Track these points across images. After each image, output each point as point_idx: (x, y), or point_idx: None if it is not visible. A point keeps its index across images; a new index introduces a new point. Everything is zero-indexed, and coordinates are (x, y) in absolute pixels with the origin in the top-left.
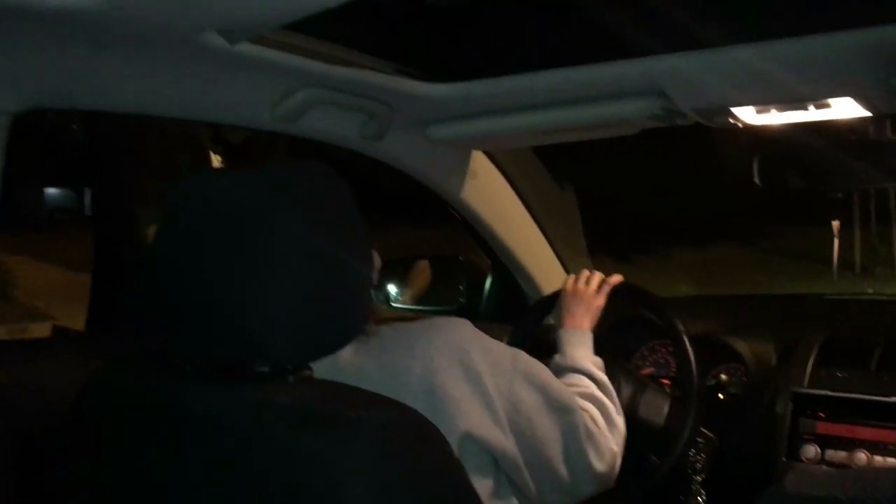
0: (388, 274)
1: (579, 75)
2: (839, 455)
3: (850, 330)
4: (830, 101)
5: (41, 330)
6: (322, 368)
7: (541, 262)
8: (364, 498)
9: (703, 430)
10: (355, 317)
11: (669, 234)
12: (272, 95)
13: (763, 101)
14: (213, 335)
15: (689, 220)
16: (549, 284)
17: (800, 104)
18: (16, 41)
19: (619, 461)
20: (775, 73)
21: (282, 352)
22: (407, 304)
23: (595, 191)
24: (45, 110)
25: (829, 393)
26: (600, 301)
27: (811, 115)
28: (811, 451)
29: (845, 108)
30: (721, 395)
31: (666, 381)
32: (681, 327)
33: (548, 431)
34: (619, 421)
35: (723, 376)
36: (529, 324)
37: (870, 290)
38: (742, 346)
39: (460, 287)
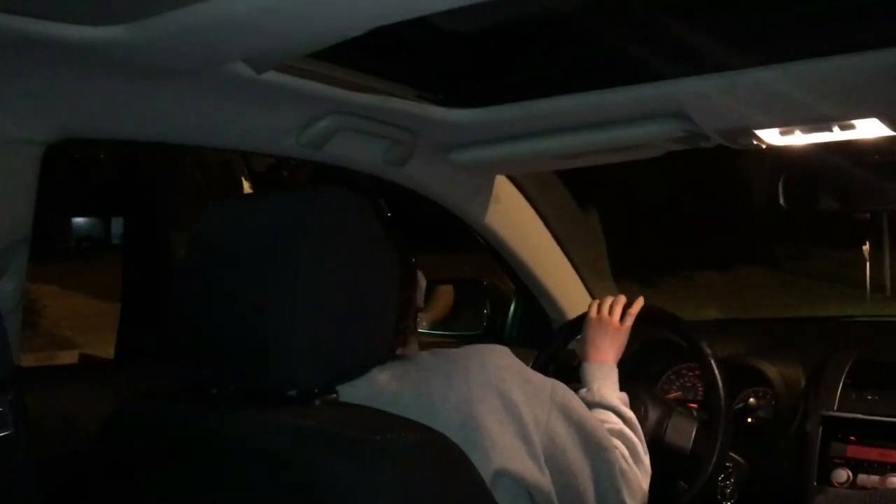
0: None
1: (600, 99)
2: (872, 479)
3: (880, 352)
4: (855, 122)
5: (68, 358)
6: (360, 393)
7: (564, 286)
8: None
9: (731, 454)
10: (381, 341)
11: (695, 257)
12: (298, 122)
13: (786, 123)
14: (238, 360)
15: (715, 242)
16: (573, 308)
17: (824, 125)
18: (47, 71)
19: (646, 500)
20: (798, 95)
21: (307, 376)
22: (429, 328)
23: (620, 214)
24: (76, 140)
25: (860, 416)
26: (625, 331)
27: (836, 135)
28: (843, 475)
29: (870, 129)
30: (750, 420)
31: (693, 406)
32: (708, 350)
33: (582, 467)
34: (646, 459)
35: (751, 400)
36: (554, 348)
37: None
38: (770, 370)
39: (484, 311)
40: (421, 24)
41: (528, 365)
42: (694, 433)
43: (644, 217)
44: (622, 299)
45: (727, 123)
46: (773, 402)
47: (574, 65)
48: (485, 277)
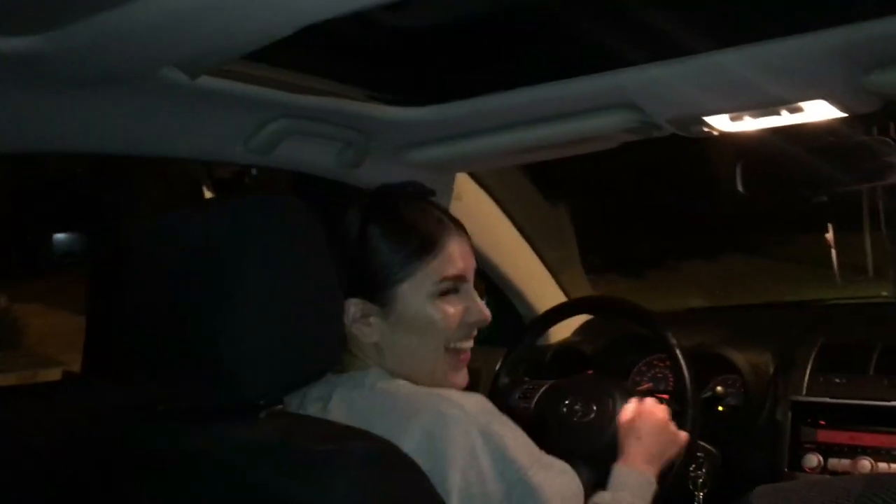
0: None
1: (552, 92)
2: (842, 463)
3: (848, 335)
4: (803, 104)
5: (52, 376)
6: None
7: (534, 282)
8: None
9: (702, 444)
10: (329, 349)
11: (680, 248)
12: (244, 128)
13: (736, 108)
14: (183, 375)
15: (700, 233)
16: (543, 305)
17: (773, 109)
18: None
19: None
20: (746, 79)
21: (252, 388)
22: None
23: (605, 208)
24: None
25: (829, 400)
26: (678, 442)
27: (785, 119)
28: (813, 460)
29: (819, 111)
30: (720, 408)
31: (664, 396)
32: (673, 340)
33: None
34: None
35: (719, 388)
36: (524, 345)
37: (884, 294)
38: (738, 357)
39: None
40: (367, 23)
41: (497, 363)
42: None
43: (629, 210)
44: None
45: (677, 111)
46: (743, 390)
47: (524, 58)
48: None
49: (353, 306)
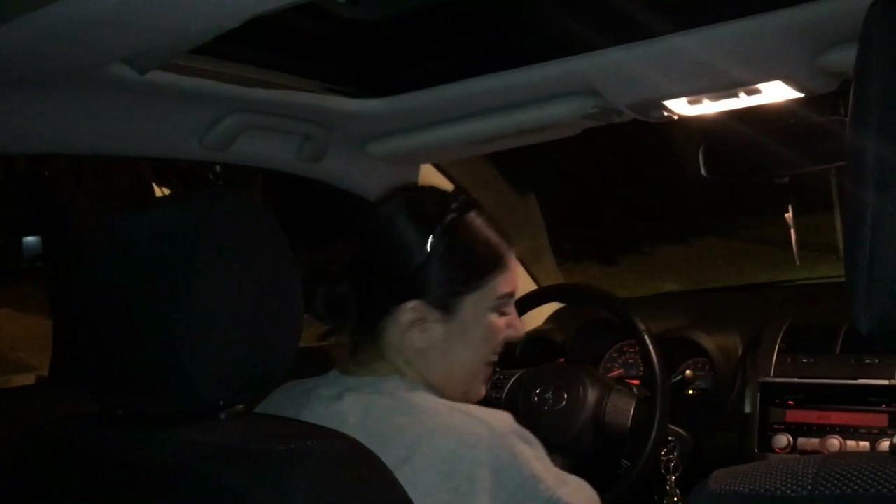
0: None
1: (510, 80)
2: (811, 442)
3: (814, 315)
4: (760, 85)
5: (25, 381)
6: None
7: None
8: None
9: (674, 427)
10: (290, 348)
11: (654, 233)
12: (198, 124)
13: (694, 91)
14: (141, 378)
15: (674, 217)
16: None
17: (731, 91)
18: None
19: None
20: (704, 61)
21: (210, 389)
22: None
23: (578, 195)
24: None
25: (796, 380)
26: None
27: (743, 101)
28: (783, 440)
29: (776, 92)
30: (690, 392)
31: (636, 382)
32: (642, 326)
33: None
34: None
35: (688, 372)
36: None
37: None
38: (707, 341)
39: None
40: (322, 15)
41: None
42: (632, 410)
43: (600, 197)
44: None
45: (635, 96)
46: (712, 373)
47: (481, 47)
48: None
49: (412, 311)
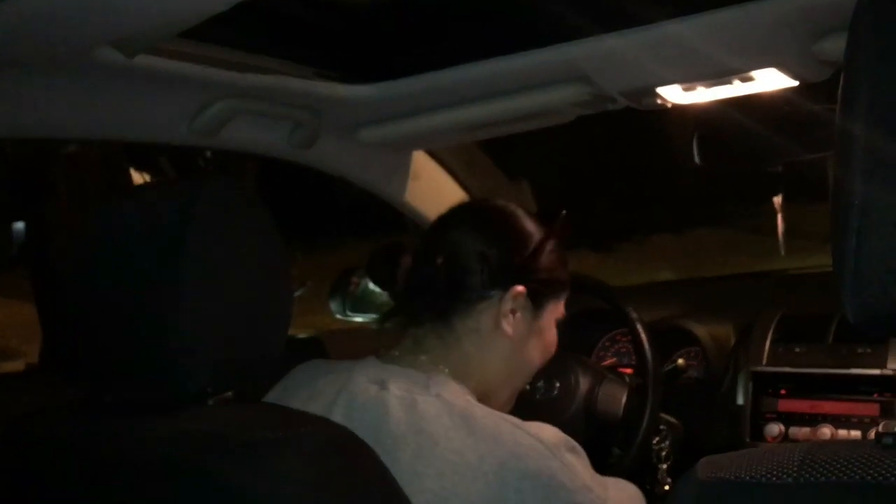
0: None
1: (503, 66)
2: (803, 431)
3: (807, 304)
4: (754, 73)
5: (15, 367)
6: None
7: None
8: None
9: (665, 416)
10: (280, 334)
11: (649, 221)
12: (187, 109)
13: (688, 79)
14: (129, 365)
15: (668, 205)
16: None
17: (725, 79)
18: None
19: None
20: (698, 48)
21: (198, 376)
22: (351, 315)
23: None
24: None
25: (789, 369)
26: None
27: (737, 89)
28: (775, 429)
29: (770, 80)
30: (682, 381)
31: (628, 370)
32: (634, 315)
33: None
34: None
35: (680, 361)
36: None
37: None
38: (699, 329)
39: None
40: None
41: None
42: (624, 399)
43: (596, 185)
44: None
45: (629, 83)
46: (705, 362)
47: (474, 33)
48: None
49: (518, 296)
